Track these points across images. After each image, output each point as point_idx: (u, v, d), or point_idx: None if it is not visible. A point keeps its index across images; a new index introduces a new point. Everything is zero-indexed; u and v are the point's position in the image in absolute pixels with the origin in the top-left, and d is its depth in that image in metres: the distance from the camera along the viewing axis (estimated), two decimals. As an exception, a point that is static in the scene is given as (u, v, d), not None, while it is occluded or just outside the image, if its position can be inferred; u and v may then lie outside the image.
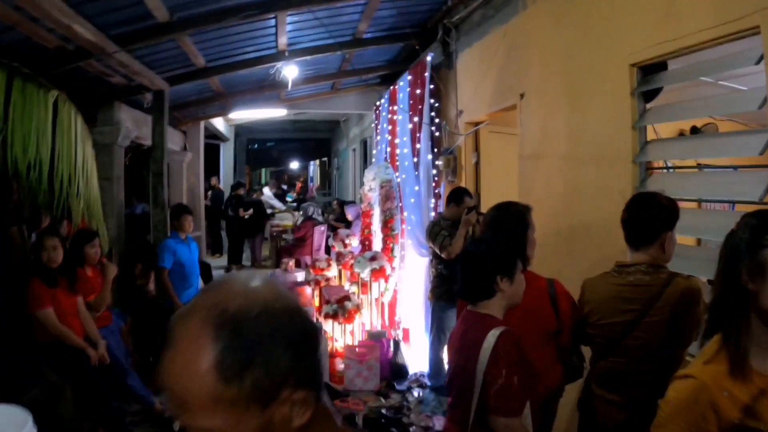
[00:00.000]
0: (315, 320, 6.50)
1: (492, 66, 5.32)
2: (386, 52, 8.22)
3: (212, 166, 14.49)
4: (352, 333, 6.44)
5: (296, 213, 14.33)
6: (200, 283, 6.33)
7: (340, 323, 6.33)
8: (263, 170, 29.61)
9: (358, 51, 7.60)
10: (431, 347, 5.62)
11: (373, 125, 9.90)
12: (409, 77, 6.91)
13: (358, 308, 6.39)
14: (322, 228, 10.86)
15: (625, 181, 3.26)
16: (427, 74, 6.28)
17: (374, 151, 9.79)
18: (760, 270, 1.42)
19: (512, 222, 2.90)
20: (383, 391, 5.50)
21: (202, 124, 11.46)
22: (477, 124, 5.96)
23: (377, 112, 9.31)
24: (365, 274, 6.97)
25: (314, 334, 0.97)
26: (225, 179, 15.78)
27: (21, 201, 5.24)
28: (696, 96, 3.51)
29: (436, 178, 6.31)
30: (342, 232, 9.84)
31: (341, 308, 6.28)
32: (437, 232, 5.23)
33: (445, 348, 4.82)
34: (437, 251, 5.25)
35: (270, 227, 13.15)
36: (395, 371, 5.92)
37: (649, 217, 2.43)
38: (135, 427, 4.81)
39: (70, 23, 4.24)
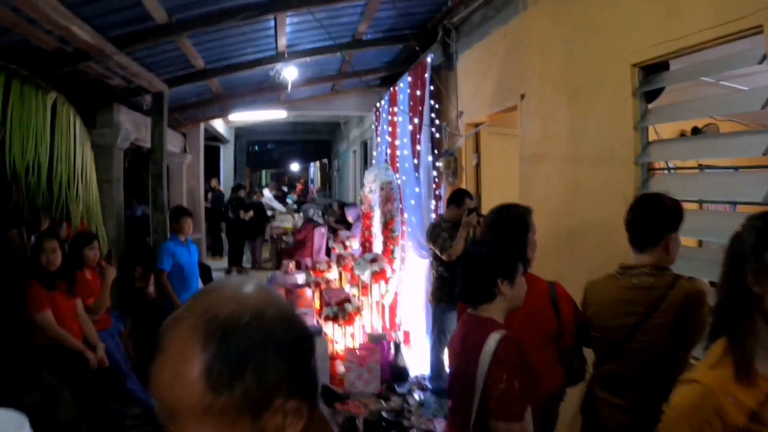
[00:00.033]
0: (315, 323, 6.49)
1: (492, 67, 5.30)
2: (386, 54, 8.21)
3: (212, 168, 14.48)
4: (352, 335, 6.42)
5: (297, 215, 14.32)
6: (200, 286, 6.31)
7: (340, 325, 6.31)
8: (263, 172, 29.62)
9: (358, 52, 7.59)
10: (432, 350, 5.60)
11: (373, 127, 9.88)
12: (409, 78, 6.90)
13: (358, 310, 6.37)
14: (323, 230, 10.83)
15: (626, 182, 3.23)
16: (427, 75, 6.26)
17: (374, 153, 9.77)
18: (766, 272, 1.40)
19: (513, 224, 2.87)
20: (384, 394, 5.48)
21: (202, 125, 11.45)
22: (477, 125, 5.94)
23: (377, 113, 9.30)
24: (366, 277, 6.95)
25: (308, 341, 0.94)
26: (225, 181, 15.78)
27: (20, 203, 5.22)
28: (697, 96, 3.49)
29: (436, 180, 6.29)
30: (342, 234, 9.83)
31: (341, 310, 6.25)
32: (438, 234, 5.21)
33: (446, 350, 4.80)
34: (438, 253, 5.23)
35: (270, 229, 13.13)
36: (396, 374, 5.90)
37: (654, 218, 2.41)
38: (134, 430, 4.78)
39: (68, 25, 4.22)
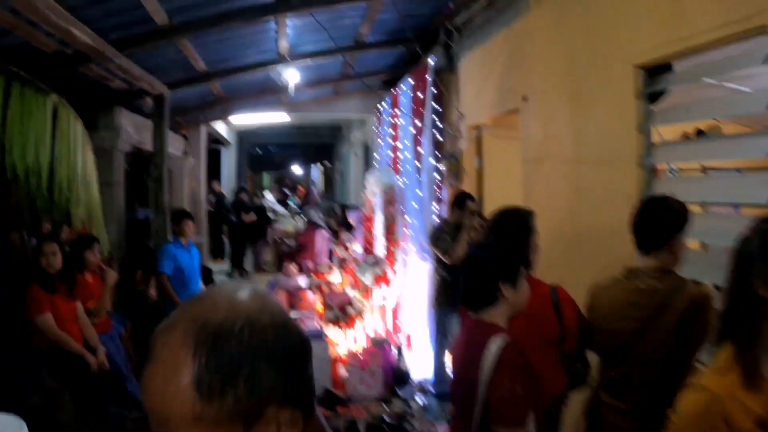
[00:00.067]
0: (317, 326, 6.47)
1: (494, 69, 5.28)
2: (388, 56, 8.19)
3: (214, 171, 14.47)
4: (354, 339, 6.39)
5: (299, 217, 14.30)
6: (201, 289, 6.29)
7: (342, 329, 6.29)
8: (265, 174, 29.62)
9: (360, 55, 7.58)
10: (435, 353, 5.59)
11: (375, 129, 9.87)
12: (411, 81, 6.88)
13: (360, 314, 6.36)
14: (325, 233, 10.82)
15: (630, 184, 3.20)
16: (429, 78, 6.25)
17: (376, 156, 9.76)
18: (774, 276, 1.37)
19: (515, 227, 2.85)
20: (386, 398, 5.45)
21: (204, 128, 11.45)
22: (479, 127, 5.91)
23: (379, 116, 9.29)
24: (368, 280, 6.93)
25: (304, 348, 0.92)
26: (227, 184, 15.77)
27: (20, 206, 5.21)
28: (699, 98, 3.47)
29: (438, 183, 6.27)
30: (344, 237, 9.80)
31: (343, 313, 6.24)
32: (440, 237, 5.19)
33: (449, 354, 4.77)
34: (440, 256, 5.21)
35: (272, 232, 13.12)
36: (398, 377, 5.87)
37: (660, 221, 2.38)
38: (135, 433, 4.77)
39: (69, 27, 4.21)
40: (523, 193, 4.67)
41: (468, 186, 6.01)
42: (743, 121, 4.62)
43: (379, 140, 9.38)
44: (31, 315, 4.27)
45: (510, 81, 4.99)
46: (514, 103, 4.86)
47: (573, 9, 3.90)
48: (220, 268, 12.14)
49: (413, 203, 6.71)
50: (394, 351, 6.03)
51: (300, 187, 28.25)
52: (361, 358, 5.70)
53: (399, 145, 7.46)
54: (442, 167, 6.25)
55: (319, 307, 7.66)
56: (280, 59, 7.02)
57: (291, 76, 7.60)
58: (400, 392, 5.63)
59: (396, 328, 7.12)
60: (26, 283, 4.38)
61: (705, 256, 3.28)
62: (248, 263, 12.76)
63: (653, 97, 3.20)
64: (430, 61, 6.25)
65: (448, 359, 5.05)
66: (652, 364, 2.31)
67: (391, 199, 7.47)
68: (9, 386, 4.15)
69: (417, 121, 6.57)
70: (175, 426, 0.82)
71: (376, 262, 7.00)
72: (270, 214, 13.92)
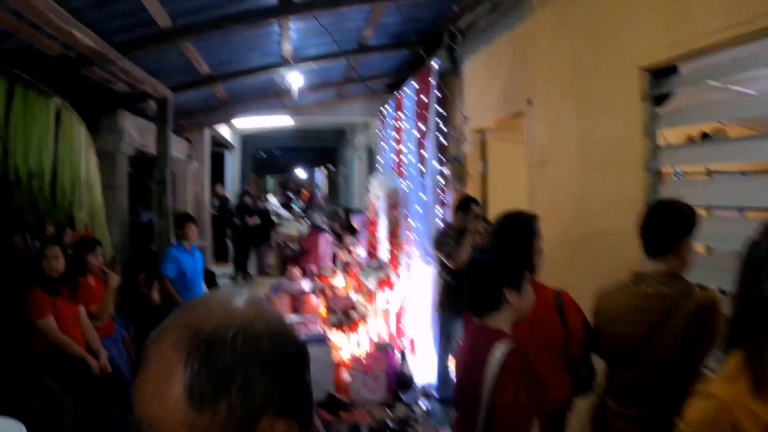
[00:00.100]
0: (321, 330, 6.44)
1: (498, 72, 5.26)
2: (391, 59, 8.18)
3: (218, 174, 14.48)
4: (358, 343, 6.37)
5: (302, 221, 14.31)
6: (204, 292, 6.28)
7: (345, 333, 6.26)
8: (269, 178, 29.65)
9: (363, 58, 7.57)
10: (438, 358, 5.56)
11: (378, 133, 9.86)
12: (415, 84, 6.87)
13: (363, 318, 6.33)
14: (329, 237, 10.80)
15: (636, 188, 3.18)
16: (432, 81, 6.23)
17: (380, 159, 9.75)
18: (784, 281, 1.35)
19: (519, 231, 2.83)
20: (389, 403, 5.42)
21: (208, 132, 11.47)
22: (484, 131, 5.89)
23: (383, 119, 9.28)
24: (371, 284, 6.91)
25: (301, 357, 0.89)
26: (231, 187, 15.78)
27: (22, 208, 5.22)
28: (704, 101, 3.44)
29: (442, 187, 6.25)
30: (348, 240, 9.79)
31: (347, 318, 6.22)
32: (444, 241, 5.17)
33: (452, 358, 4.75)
34: (444, 260, 5.19)
35: (276, 236, 13.12)
36: (402, 382, 5.84)
37: (669, 224, 2.35)
38: (136, 437, 4.74)
39: (71, 30, 4.21)
40: (528, 197, 4.65)
41: (472, 190, 5.99)
42: (748, 124, 4.59)
43: (382, 144, 9.37)
44: (33, 318, 4.26)
45: (514, 84, 4.96)
46: (518, 107, 4.83)
47: (577, 11, 3.88)
48: (223, 271, 12.14)
49: (417, 207, 6.69)
50: (398, 355, 6.00)
51: (304, 191, 28.28)
52: (365, 362, 5.66)
53: (403, 148, 7.45)
54: (446, 171, 6.23)
55: (323, 311, 7.63)
56: (284, 62, 7.02)
57: (294, 79, 7.60)
58: (403, 397, 5.60)
59: (399, 333, 7.10)
60: (28, 286, 4.37)
61: (710, 260, 3.26)
62: (252, 267, 12.76)
63: (659, 99, 3.18)
64: (434, 65, 6.24)
65: (451, 363, 5.02)
66: (660, 370, 2.28)
67: (395, 203, 7.45)
68: (10, 389, 4.14)
69: (421, 125, 6.56)
70: None
71: (380, 266, 6.98)
72: (274, 218, 13.93)
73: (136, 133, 7.25)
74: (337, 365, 6.06)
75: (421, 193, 6.53)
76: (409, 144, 7.11)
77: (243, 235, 12.36)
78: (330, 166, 25.37)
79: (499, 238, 2.88)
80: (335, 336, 6.35)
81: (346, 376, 5.81)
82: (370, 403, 5.41)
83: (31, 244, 5.67)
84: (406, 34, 6.64)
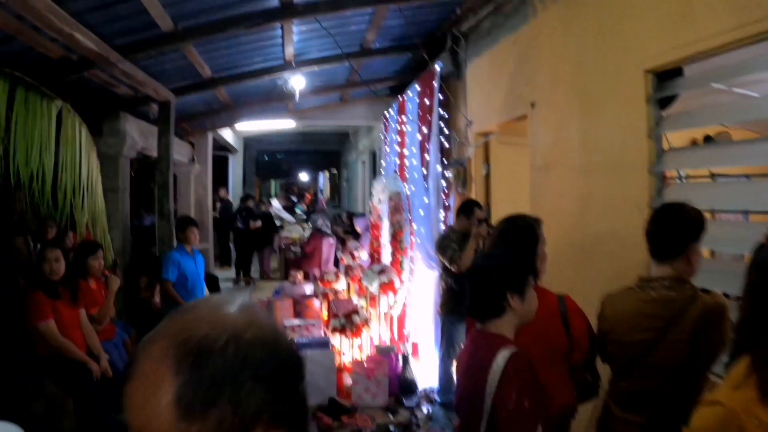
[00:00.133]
0: (323, 334, 6.42)
1: (502, 75, 5.24)
2: (394, 62, 8.17)
3: (221, 178, 14.49)
4: (360, 347, 6.34)
5: (305, 225, 14.31)
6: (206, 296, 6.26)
7: (348, 337, 6.24)
8: (272, 182, 29.70)
9: (366, 61, 7.56)
10: (441, 362, 5.53)
11: (381, 136, 9.85)
12: (418, 87, 6.85)
13: (366, 322, 6.30)
14: (331, 240, 10.79)
15: (640, 191, 3.15)
16: (436, 84, 6.21)
17: (383, 163, 9.73)
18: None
19: (522, 235, 2.79)
20: (392, 407, 5.39)
21: (210, 135, 11.47)
22: (487, 134, 5.87)
23: (386, 123, 9.26)
24: (374, 288, 6.88)
25: (295, 365, 0.86)
26: (234, 191, 15.79)
27: (24, 211, 5.21)
28: (708, 104, 3.41)
29: (445, 190, 6.23)
30: (351, 244, 9.76)
31: (349, 322, 6.18)
32: (447, 245, 5.14)
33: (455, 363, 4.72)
34: (447, 264, 5.16)
35: (279, 239, 13.11)
36: (404, 387, 5.80)
37: (676, 228, 2.32)
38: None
39: (73, 33, 4.20)
40: (531, 201, 4.62)
41: (475, 193, 5.97)
42: (753, 127, 4.57)
43: (385, 147, 9.35)
44: (34, 321, 4.26)
45: (518, 87, 4.94)
46: (521, 110, 4.81)
47: (581, 13, 3.86)
48: (226, 275, 12.12)
49: (420, 211, 6.66)
50: (400, 360, 5.98)
51: (307, 195, 28.32)
52: (367, 366, 5.64)
53: (406, 152, 7.43)
54: (449, 174, 6.21)
55: (325, 315, 7.61)
56: (286, 66, 7.01)
57: (297, 82, 7.59)
58: (405, 401, 5.56)
59: (402, 337, 7.07)
60: (29, 289, 4.36)
61: (714, 264, 3.23)
62: (254, 270, 12.75)
63: (663, 102, 3.15)
64: (437, 68, 6.22)
65: (454, 368, 4.99)
66: (666, 376, 2.24)
67: (397, 207, 7.42)
68: (11, 393, 4.13)
69: (424, 128, 6.54)
70: None
71: (383, 270, 6.94)
72: (276, 222, 13.92)
73: (138, 136, 7.24)
74: (340, 370, 6.04)
75: (424, 197, 6.51)
76: (412, 147, 7.10)
77: (245, 238, 12.34)
78: (333, 169, 25.40)
79: (502, 242, 2.84)
80: (337, 340, 6.32)
81: (348, 380, 5.79)
82: (372, 407, 5.38)
83: (33, 247, 5.66)
84: (409, 37, 6.63)
